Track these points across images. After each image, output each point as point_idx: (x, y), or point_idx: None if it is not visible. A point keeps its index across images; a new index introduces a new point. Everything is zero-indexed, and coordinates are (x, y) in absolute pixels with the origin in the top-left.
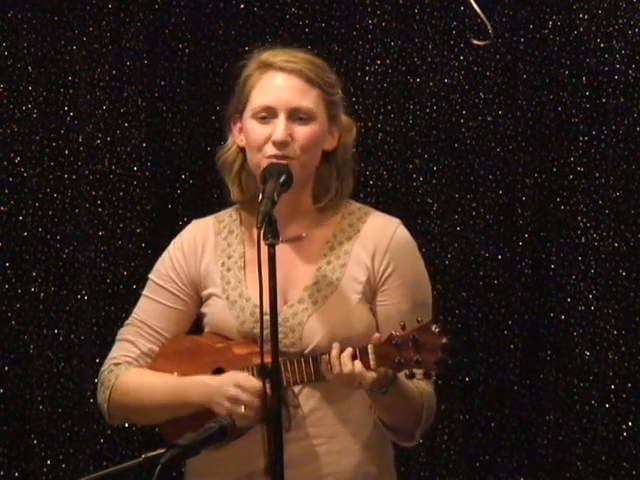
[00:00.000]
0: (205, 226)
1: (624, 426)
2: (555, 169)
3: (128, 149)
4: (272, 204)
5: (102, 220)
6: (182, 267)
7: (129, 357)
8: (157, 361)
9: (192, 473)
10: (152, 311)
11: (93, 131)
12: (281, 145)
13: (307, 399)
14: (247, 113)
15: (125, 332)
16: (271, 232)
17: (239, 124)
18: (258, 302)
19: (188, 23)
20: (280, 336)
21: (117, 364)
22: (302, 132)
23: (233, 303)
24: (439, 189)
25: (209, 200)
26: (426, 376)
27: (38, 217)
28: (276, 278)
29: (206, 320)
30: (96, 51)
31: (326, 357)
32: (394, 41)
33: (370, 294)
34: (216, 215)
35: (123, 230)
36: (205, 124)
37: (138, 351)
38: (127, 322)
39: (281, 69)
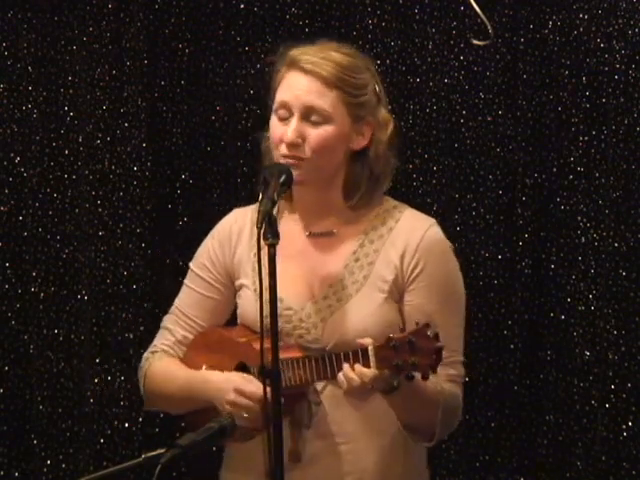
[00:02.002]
0: (244, 215)
1: (624, 426)
2: (555, 169)
3: (128, 149)
4: (272, 204)
5: (102, 220)
6: (217, 256)
7: (166, 345)
8: (188, 353)
9: (230, 468)
10: (189, 299)
11: (93, 131)
12: (291, 146)
13: (329, 397)
14: (273, 107)
15: (166, 320)
16: (271, 232)
17: None
18: (284, 296)
19: (188, 23)
20: (302, 332)
21: (154, 352)
22: (314, 134)
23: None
24: (439, 189)
25: (209, 200)
26: (423, 378)
27: (38, 217)
28: (276, 278)
29: (238, 311)
30: (96, 51)
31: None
32: (394, 41)
33: (398, 294)
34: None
35: (123, 230)
36: (205, 124)
37: (174, 339)
38: (170, 310)
39: (302, 69)
